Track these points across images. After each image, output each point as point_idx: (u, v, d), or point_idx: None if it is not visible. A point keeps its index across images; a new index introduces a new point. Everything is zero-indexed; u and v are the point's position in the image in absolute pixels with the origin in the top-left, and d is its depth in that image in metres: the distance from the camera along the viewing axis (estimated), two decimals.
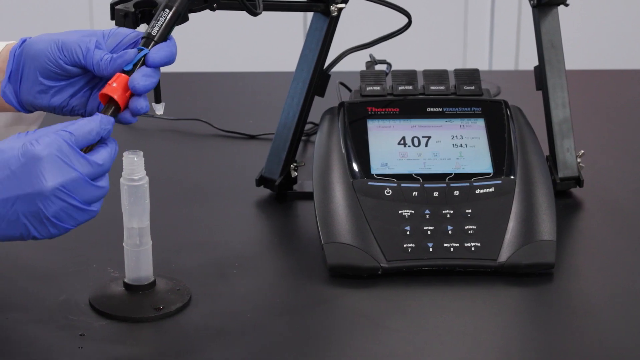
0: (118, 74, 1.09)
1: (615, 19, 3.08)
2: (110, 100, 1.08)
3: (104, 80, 1.11)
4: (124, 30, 1.12)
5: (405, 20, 1.38)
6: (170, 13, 1.09)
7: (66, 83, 1.13)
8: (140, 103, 1.09)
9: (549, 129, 1.44)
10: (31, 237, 1.02)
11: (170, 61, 1.10)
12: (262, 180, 1.44)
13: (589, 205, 1.41)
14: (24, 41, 1.14)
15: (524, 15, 3.06)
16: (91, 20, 3.03)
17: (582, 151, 1.45)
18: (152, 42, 1.09)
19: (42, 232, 1.01)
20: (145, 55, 1.09)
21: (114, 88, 1.08)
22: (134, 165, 1.12)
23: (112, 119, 1.06)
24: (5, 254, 1.23)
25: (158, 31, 1.09)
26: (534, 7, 1.42)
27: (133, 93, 1.08)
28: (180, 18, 1.12)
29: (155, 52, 1.09)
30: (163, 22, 1.09)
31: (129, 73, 1.09)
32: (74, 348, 1.07)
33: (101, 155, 1.03)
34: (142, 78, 1.08)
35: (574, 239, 1.35)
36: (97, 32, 1.12)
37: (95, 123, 1.04)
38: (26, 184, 0.99)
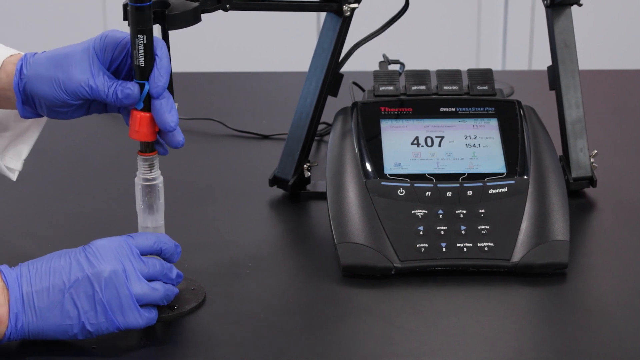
0: (136, 113, 1.10)
1: (628, 19, 3.07)
2: (140, 144, 1.11)
3: None
4: (112, 40, 1.11)
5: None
6: (146, 36, 1.08)
7: (80, 103, 1.13)
8: (176, 137, 1.12)
9: (562, 129, 1.43)
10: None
11: (169, 74, 1.10)
12: (275, 180, 1.44)
13: (602, 205, 1.41)
14: (20, 70, 1.12)
15: (537, 15, 3.06)
16: (104, 20, 3.04)
17: (595, 151, 1.45)
18: (147, 72, 1.09)
19: None
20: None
21: (142, 132, 1.11)
22: (149, 165, 1.13)
23: (176, 290, 1.12)
24: (17, 256, 1.23)
25: (144, 59, 1.09)
26: (547, 7, 1.42)
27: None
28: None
29: (157, 80, 1.09)
30: (144, 48, 1.09)
31: (143, 109, 1.10)
32: (87, 348, 1.08)
33: None
34: (168, 116, 1.10)
35: (587, 239, 1.34)
36: (90, 52, 1.11)
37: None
38: None
